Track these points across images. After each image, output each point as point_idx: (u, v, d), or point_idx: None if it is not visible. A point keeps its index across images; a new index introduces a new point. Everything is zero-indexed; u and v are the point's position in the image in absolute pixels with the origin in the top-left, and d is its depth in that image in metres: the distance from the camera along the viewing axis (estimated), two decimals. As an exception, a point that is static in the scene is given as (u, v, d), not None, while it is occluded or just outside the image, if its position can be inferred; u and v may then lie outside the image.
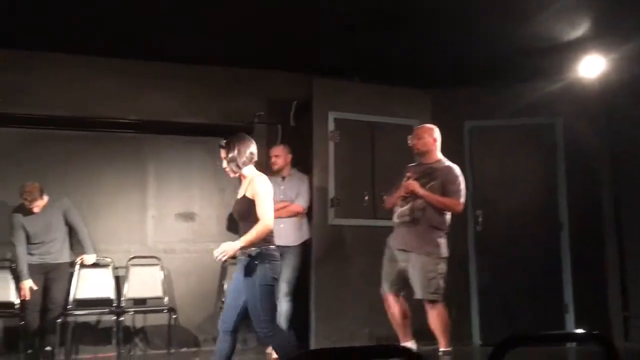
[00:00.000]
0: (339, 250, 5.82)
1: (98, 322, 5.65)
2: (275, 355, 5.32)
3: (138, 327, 5.79)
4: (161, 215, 6.01)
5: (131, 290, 5.65)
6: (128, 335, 5.70)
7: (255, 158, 3.93)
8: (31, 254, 5.26)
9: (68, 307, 5.33)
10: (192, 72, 6.05)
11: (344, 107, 5.97)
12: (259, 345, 5.79)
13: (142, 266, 5.76)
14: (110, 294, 5.57)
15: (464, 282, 6.17)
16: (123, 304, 5.60)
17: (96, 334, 5.63)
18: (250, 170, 3.90)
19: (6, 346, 5.34)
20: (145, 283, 5.71)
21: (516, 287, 6.10)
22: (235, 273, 3.84)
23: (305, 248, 5.66)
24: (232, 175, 3.93)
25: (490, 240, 6.26)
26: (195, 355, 5.73)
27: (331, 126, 5.92)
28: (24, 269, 5.16)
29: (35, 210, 5.24)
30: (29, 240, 5.25)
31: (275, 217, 5.51)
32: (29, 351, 5.11)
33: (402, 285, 4.66)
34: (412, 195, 4.62)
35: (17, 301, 5.21)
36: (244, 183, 3.91)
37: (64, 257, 5.41)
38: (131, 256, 5.74)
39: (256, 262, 3.65)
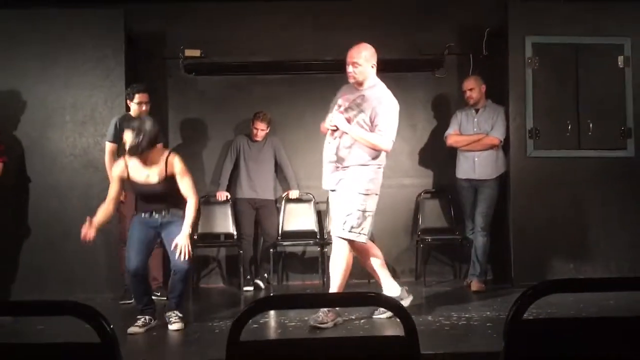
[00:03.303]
0: (539, 183, 5.55)
1: (304, 252, 6.13)
2: (474, 288, 5.36)
3: (340, 257, 6.15)
4: (356, 152, 6.20)
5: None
6: (331, 265, 6.09)
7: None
8: (242, 189, 5.78)
9: (278, 238, 5.82)
10: (382, 7, 6.04)
11: (543, 30, 5.55)
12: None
13: (341, 201, 6.04)
14: (314, 226, 5.96)
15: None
16: (325, 237, 5.98)
17: (303, 263, 6.13)
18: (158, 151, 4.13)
19: (228, 272, 6.05)
20: (344, 217, 6.01)
21: None
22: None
23: (501, 181, 5.50)
24: None
25: None
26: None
27: (529, 52, 5.55)
28: (224, 182, 5.80)
29: (258, 138, 5.73)
30: (239, 164, 5.77)
31: (470, 150, 5.50)
32: (247, 277, 5.72)
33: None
34: (338, 130, 4.10)
35: (235, 232, 5.83)
36: (155, 165, 4.05)
37: (272, 193, 5.89)
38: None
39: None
